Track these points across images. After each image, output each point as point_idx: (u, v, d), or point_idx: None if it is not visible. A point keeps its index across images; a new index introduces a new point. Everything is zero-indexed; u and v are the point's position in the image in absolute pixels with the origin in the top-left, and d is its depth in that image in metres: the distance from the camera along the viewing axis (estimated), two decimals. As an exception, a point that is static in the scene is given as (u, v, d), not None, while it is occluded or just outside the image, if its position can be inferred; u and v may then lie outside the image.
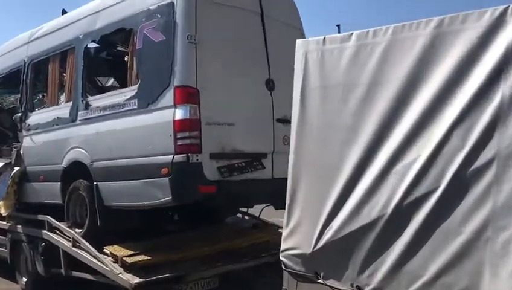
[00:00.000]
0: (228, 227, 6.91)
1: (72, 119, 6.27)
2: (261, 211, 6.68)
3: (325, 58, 3.93)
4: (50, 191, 6.72)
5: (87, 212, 5.98)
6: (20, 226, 7.15)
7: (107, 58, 7.07)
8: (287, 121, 5.70)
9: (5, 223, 7.48)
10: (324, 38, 3.96)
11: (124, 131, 5.48)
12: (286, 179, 5.66)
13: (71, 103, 6.34)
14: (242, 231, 6.67)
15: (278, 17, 5.92)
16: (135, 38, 5.50)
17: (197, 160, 4.90)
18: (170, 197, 5.01)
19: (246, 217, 7.22)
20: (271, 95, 5.62)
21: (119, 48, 6.67)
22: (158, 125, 5.09)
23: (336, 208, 3.76)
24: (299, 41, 4.13)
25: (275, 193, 5.75)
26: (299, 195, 4.09)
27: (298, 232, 4.09)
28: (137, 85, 5.39)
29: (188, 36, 4.98)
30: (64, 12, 7.60)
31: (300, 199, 4.08)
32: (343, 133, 3.75)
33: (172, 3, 5.10)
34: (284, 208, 5.71)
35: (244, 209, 7.10)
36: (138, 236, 5.83)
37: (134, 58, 5.54)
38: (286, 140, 5.70)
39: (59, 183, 6.47)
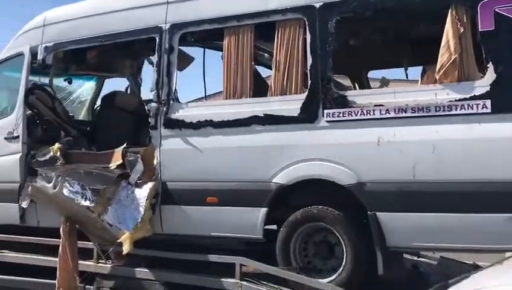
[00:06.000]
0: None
1: (305, 119, 4.39)
2: None
3: None
4: (233, 220, 4.69)
5: (345, 254, 4.25)
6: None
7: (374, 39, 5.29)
8: None
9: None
10: None
11: (459, 142, 3.88)
12: None
13: (301, 96, 4.43)
14: None
15: None
16: (470, 16, 3.96)
17: None
18: None
19: None
20: None
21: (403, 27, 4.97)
22: None
23: None
24: None
25: None
26: None
27: None
28: (486, 78, 3.85)
29: None
30: None
31: None
32: None
33: None
34: None
35: None
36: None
37: (465, 42, 3.97)
38: None
39: (262, 209, 4.54)
